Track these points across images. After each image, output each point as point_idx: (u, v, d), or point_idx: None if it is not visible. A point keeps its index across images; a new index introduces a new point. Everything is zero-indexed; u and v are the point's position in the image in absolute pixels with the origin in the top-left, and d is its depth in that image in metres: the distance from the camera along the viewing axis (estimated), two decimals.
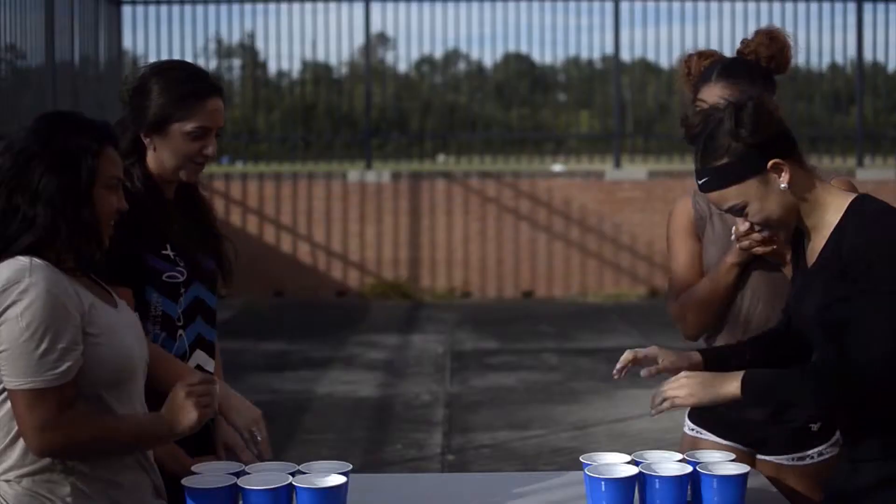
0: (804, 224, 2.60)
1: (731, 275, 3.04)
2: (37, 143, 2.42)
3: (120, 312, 2.54)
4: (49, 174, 2.39)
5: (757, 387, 2.54)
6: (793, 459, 3.05)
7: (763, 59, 3.05)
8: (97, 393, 2.42)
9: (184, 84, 2.83)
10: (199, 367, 2.91)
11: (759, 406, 2.59)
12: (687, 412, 3.23)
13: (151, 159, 2.86)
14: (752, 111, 2.51)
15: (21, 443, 2.37)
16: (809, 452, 3.05)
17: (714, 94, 2.97)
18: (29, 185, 2.38)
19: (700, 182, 2.59)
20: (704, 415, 3.15)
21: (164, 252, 2.84)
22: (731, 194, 2.55)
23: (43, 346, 2.31)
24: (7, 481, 2.39)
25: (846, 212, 2.54)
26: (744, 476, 2.56)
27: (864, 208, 2.53)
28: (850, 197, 2.57)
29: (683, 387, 2.59)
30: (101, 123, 2.49)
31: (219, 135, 2.88)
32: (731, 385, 2.55)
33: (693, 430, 3.20)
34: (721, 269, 3.04)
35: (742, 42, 3.10)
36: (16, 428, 2.37)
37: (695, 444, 3.12)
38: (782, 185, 2.53)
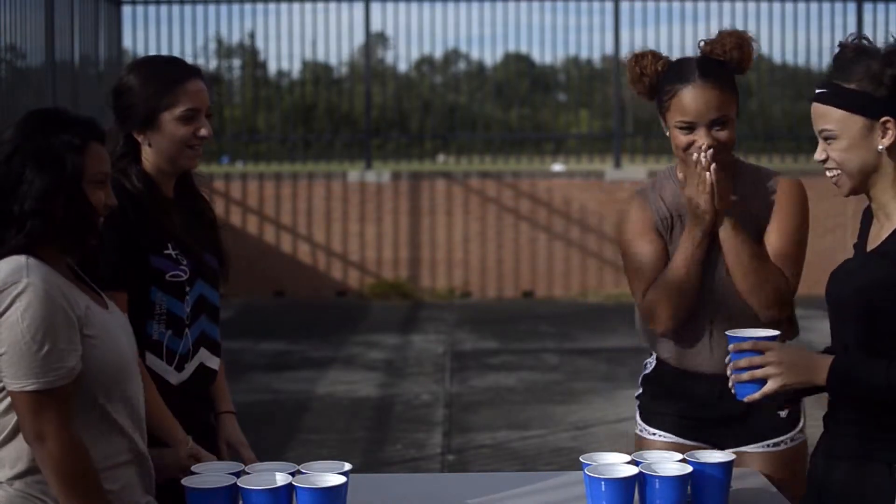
0: (876, 202, 2.54)
1: (703, 247, 2.99)
2: (21, 141, 2.41)
3: (111, 314, 2.53)
4: (34, 172, 2.37)
5: (841, 378, 2.45)
6: (767, 446, 3.06)
7: (734, 63, 3.03)
8: (96, 399, 2.41)
9: (162, 73, 2.88)
10: (202, 365, 2.92)
11: (844, 395, 2.50)
12: (638, 410, 3.21)
13: (147, 156, 2.88)
14: None
15: (13, 444, 2.36)
16: (783, 438, 3.07)
17: (700, 96, 2.95)
18: (15, 184, 2.37)
19: (818, 90, 2.56)
20: (657, 414, 3.14)
21: (166, 252, 2.84)
22: (833, 117, 2.50)
23: (46, 347, 2.30)
24: None
25: None
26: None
27: None
28: None
29: (773, 367, 2.47)
30: (85, 120, 2.48)
31: (209, 115, 2.91)
32: (820, 376, 2.46)
33: (644, 430, 3.18)
34: (691, 244, 3.00)
35: (707, 43, 3.06)
36: (8, 429, 2.36)
37: (649, 447, 3.08)
38: (879, 147, 2.47)
